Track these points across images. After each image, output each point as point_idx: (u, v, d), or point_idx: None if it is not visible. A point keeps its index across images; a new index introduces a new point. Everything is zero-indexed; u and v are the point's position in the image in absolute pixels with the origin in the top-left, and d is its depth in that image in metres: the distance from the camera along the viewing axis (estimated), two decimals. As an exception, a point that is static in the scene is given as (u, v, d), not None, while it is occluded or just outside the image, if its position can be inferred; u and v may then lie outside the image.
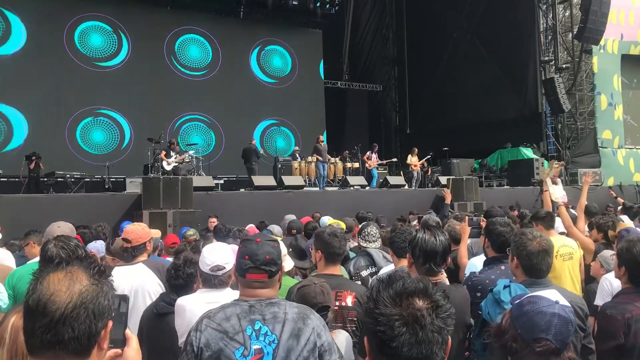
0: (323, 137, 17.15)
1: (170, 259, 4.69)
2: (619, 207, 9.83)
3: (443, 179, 14.92)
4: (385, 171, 18.25)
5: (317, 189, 14.96)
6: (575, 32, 18.00)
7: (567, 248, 4.20)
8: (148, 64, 19.26)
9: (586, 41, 17.39)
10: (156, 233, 5.57)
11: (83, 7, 18.33)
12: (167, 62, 19.94)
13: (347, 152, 18.33)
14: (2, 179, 14.41)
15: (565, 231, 4.92)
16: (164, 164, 13.25)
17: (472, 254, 4.41)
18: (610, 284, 3.38)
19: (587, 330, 2.66)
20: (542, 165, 15.75)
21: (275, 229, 6.36)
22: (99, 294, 1.27)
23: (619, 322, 2.51)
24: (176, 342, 2.61)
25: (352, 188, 14.53)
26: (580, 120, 19.18)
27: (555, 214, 5.10)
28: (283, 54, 22.63)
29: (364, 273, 4.04)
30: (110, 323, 1.29)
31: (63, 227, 3.94)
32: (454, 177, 14.58)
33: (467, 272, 3.65)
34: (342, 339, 2.55)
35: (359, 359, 2.53)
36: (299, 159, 16.75)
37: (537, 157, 17.15)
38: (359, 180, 15.34)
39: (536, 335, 1.50)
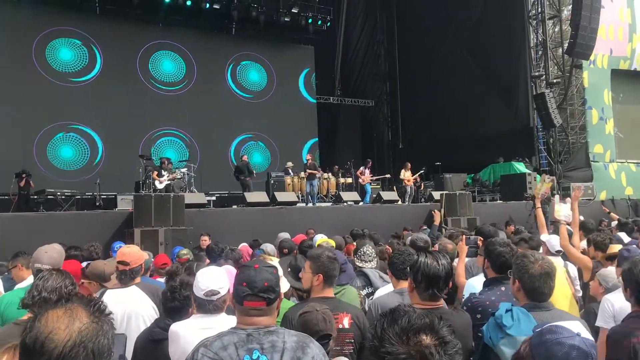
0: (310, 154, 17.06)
1: (161, 280, 4.61)
2: (614, 223, 9.83)
3: (436, 194, 14.83)
4: (379, 186, 18.23)
5: (308, 204, 14.86)
6: (565, 48, 18.19)
7: None
8: (119, 79, 18.86)
9: (577, 56, 17.57)
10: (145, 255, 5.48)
11: (54, 21, 17.97)
12: (141, 77, 19.55)
13: (338, 167, 18.30)
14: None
15: (562, 250, 4.88)
16: (156, 183, 13.25)
17: (471, 274, 4.36)
18: (612, 305, 3.31)
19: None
20: (535, 180, 15.78)
21: (269, 247, 6.27)
22: (99, 332, 1.22)
23: (625, 348, 2.46)
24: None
25: (345, 204, 14.49)
26: (572, 135, 19.30)
27: (550, 231, 5.07)
28: (259, 69, 22.41)
29: (361, 293, 3.99)
30: None
31: (51, 253, 3.64)
32: (447, 192, 14.53)
33: (466, 293, 3.60)
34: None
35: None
36: (291, 174, 16.71)
37: (529, 171, 17.20)
38: (352, 195, 15.29)
39: None
